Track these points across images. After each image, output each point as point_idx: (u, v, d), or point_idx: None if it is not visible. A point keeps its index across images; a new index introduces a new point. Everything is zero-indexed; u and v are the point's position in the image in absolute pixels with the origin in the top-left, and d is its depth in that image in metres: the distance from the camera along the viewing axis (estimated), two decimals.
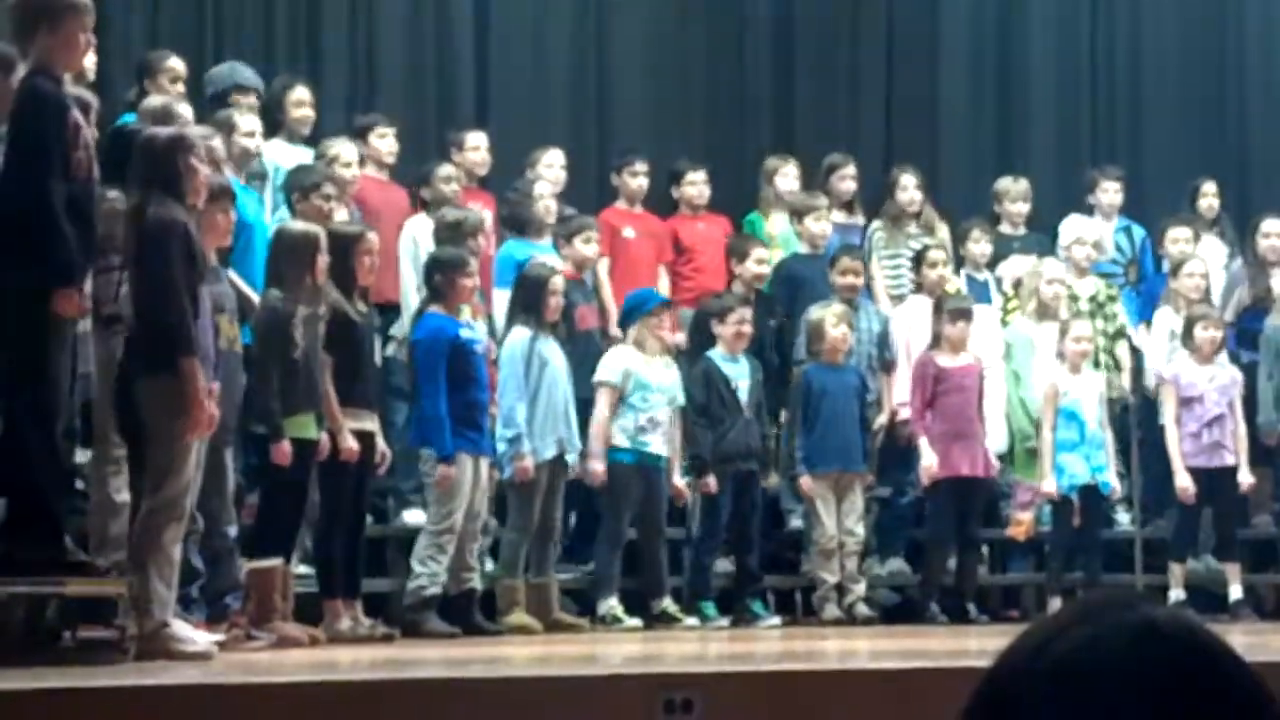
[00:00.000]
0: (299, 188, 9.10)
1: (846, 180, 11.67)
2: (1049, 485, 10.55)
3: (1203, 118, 13.39)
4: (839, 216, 11.39)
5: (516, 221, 10.52)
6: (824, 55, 13.07)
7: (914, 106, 13.13)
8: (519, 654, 8.07)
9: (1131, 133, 13.45)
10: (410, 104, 11.88)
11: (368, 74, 12.07)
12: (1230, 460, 10.59)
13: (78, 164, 6.43)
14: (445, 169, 10.43)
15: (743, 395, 10.27)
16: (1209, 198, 12.00)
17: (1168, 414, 10.63)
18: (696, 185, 11.43)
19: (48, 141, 6.37)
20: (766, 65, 12.95)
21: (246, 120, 9.26)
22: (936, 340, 10.52)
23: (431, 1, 12.23)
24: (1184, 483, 10.50)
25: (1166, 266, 11.52)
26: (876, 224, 11.53)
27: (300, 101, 10.26)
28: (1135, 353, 11.34)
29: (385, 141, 10.50)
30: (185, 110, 8.48)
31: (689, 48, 12.80)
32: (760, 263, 10.76)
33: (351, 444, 8.34)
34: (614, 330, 10.50)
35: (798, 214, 11.12)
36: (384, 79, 12.09)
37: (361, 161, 10.27)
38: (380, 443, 8.71)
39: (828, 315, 10.43)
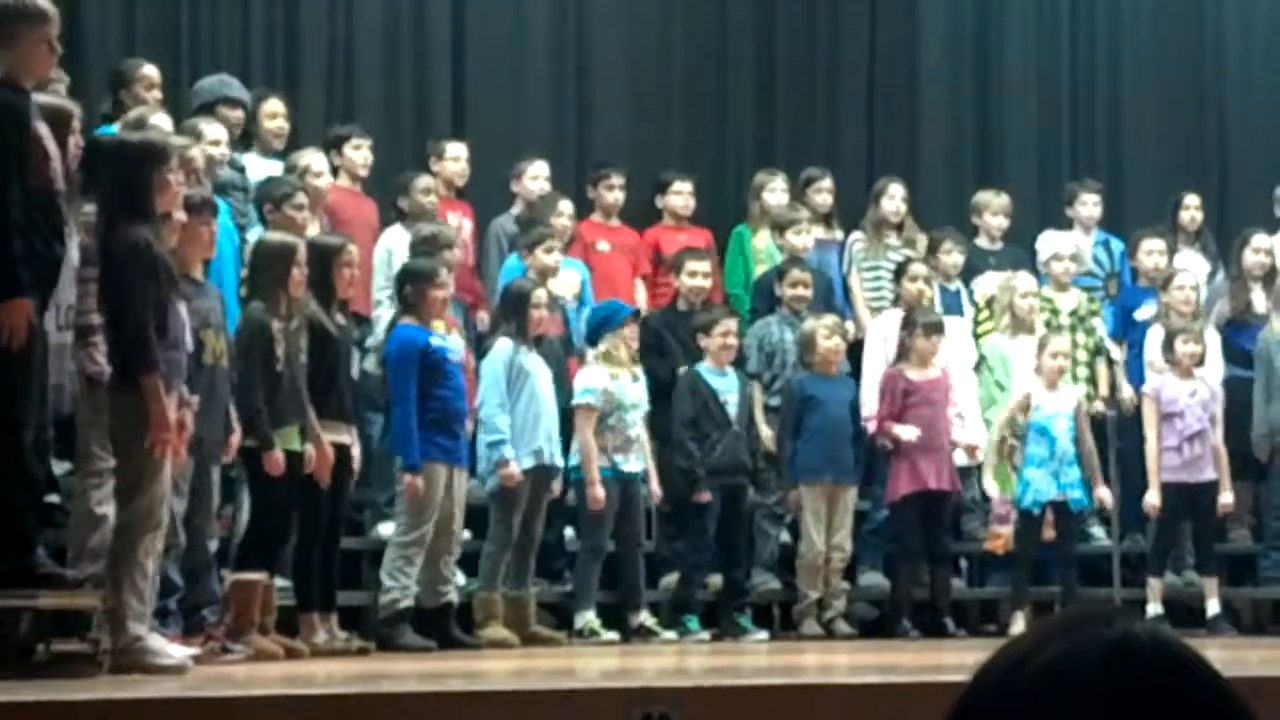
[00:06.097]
0: (270, 199, 9.09)
1: (823, 193, 11.58)
2: (1005, 490, 10.51)
3: (1183, 130, 13.41)
4: (818, 231, 11.27)
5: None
6: (805, 67, 13.07)
7: (894, 118, 13.13)
8: (496, 667, 8.03)
9: (1111, 145, 13.46)
10: (387, 115, 11.85)
11: (344, 84, 12.04)
12: (1210, 475, 10.56)
13: (39, 174, 6.33)
14: (423, 180, 10.40)
15: (731, 409, 10.25)
16: (1191, 210, 11.93)
17: (1150, 428, 10.60)
18: (682, 196, 11.41)
19: (5, 151, 6.29)
20: (748, 77, 12.94)
21: (213, 129, 9.17)
22: (904, 353, 10.48)
23: (409, 11, 12.20)
24: (1154, 499, 10.51)
25: (1138, 278, 11.52)
26: (856, 235, 11.48)
27: (274, 114, 10.23)
28: (1112, 366, 11.32)
29: (360, 153, 10.46)
30: (163, 120, 8.44)
31: (669, 58, 12.79)
32: (693, 275, 10.71)
33: (327, 452, 8.27)
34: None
35: (780, 228, 11.09)
36: (360, 89, 12.05)
37: (335, 172, 10.25)
38: (356, 452, 8.66)
39: (820, 327, 10.40)
